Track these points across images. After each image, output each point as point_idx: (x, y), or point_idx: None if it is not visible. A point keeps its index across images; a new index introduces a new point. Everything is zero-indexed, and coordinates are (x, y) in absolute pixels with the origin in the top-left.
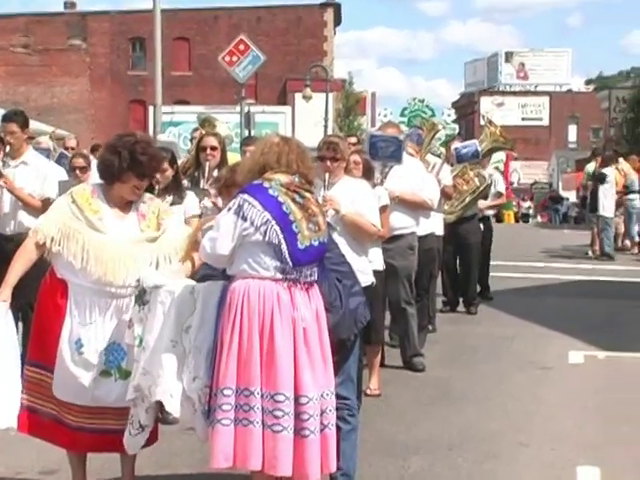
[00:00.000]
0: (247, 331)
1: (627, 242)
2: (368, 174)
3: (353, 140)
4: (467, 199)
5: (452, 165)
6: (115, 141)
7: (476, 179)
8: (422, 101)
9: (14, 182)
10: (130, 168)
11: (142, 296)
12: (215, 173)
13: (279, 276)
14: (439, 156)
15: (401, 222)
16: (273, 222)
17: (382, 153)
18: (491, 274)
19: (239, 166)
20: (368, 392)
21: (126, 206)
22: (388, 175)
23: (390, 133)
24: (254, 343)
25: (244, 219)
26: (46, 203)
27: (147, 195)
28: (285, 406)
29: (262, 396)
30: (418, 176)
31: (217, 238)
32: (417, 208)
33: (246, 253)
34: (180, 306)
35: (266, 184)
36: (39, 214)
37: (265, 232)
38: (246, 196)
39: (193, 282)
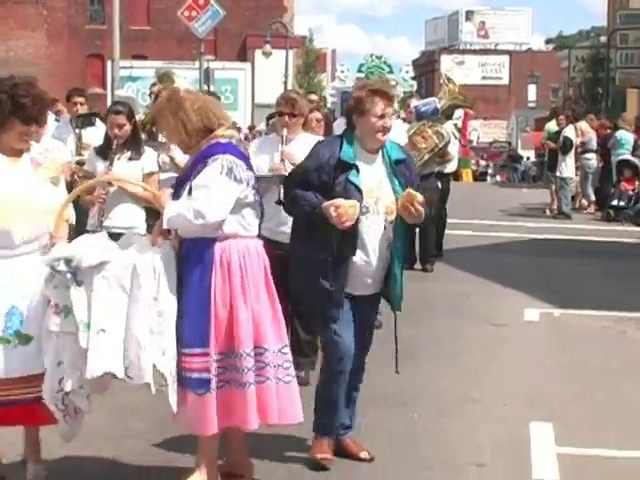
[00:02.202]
0: (254, 290)
1: (584, 201)
2: (330, 130)
3: (314, 97)
4: (425, 157)
5: (410, 123)
6: None
7: (435, 137)
8: (379, 57)
9: None
10: (13, 113)
11: (75, 276)
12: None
13: (256, 233)
14: (394, 113)
15: None
16: (254, 180)
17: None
18: (449, 232)
19: (170, 133)
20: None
21: (18, 154)
22: None
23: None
24: (263, 302)
25: (239, 181)
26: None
27: (45, 146)
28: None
29: (272, 352)
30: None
31: (213, 205)
32: None
33: (237, 214)
34: (135, 279)
35: (233, 141)
36: None
37: (255, 191)
38: (230, 157)
39: (130, 251)
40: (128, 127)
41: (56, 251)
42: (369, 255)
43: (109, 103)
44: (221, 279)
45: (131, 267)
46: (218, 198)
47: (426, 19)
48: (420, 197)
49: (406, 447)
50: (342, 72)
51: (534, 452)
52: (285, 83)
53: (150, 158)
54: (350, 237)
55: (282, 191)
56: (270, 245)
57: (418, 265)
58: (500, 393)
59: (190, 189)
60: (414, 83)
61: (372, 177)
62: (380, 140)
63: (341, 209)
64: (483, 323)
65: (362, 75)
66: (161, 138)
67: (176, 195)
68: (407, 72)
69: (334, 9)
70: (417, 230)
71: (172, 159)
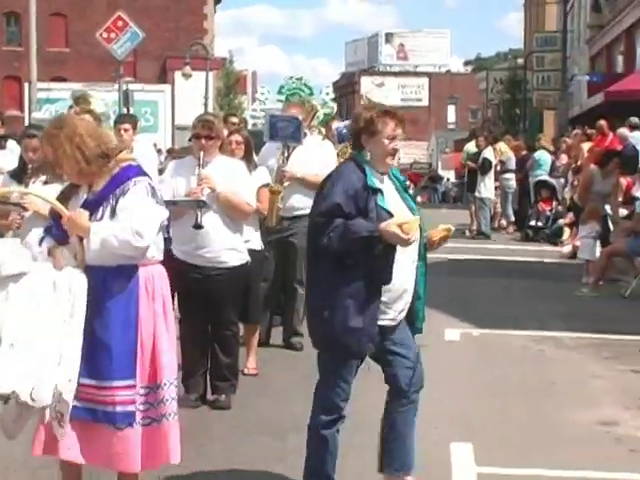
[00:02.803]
0: (171, 318)
1: (503, 221)
2: (250, 153)
3: (235, 120)
4: None
5: (334, 144)
6: None
7: None
8: (300, 79)
9: None
10: None
11: None
12: None
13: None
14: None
15: (303, 203)
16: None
17: (282, 133)
18: None
19: (66, 161)
20: (246, 372)
21: None
22: (291, 156)
23: (293, 113)
24: (173, 329)
25: (161, 204)
26: None
27: None
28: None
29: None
30: (319, 158)
31: (147, 227)
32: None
33: (156, 238)
34: (52, 296)
35: (134, 164)
36: None
37: (167, 213)
38: (147, 179)
39: (47, 265)
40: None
41: None
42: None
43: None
44: (146, 307)
45: (50, 283)
46: (150, 220)
47: (346, 41)
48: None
49: None
50: (262, 94)
51: (455, 473)
52: (205, 105)
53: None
54: (389, 263)
55: (200, 215)
56: (188, 268)
57: None
58: (421, 413)
59: (112, 212)
60: (334, 105)
61: (390, 200)
62: (390, 163)
63: (406, 225)
64: None
65: (282, 97)
66: None
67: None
68: (327, 94)
69: (255, 30)
70: None
71: None
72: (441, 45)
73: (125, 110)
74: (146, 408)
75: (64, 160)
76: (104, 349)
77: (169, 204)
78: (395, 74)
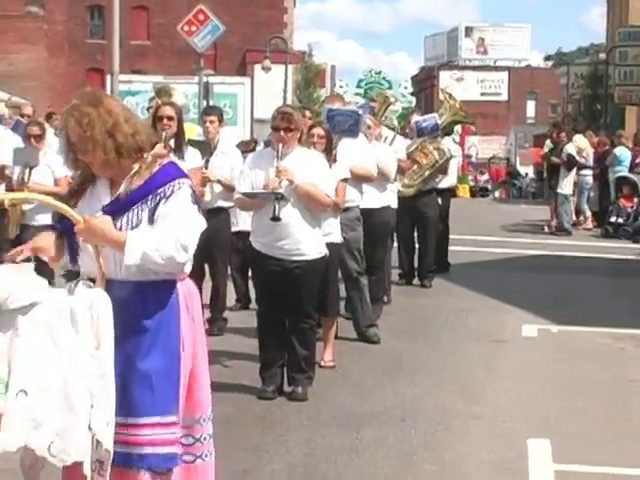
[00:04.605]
0: (204, 340)
1: (581, 217)
2: (330, 146)
3: (308, 114)
4: (426, 173)
5: (412, 139)
6: None
7: (435, 152)
8: (379, 73)
9: None
10: None
11: None
12: (172, 143)
13: None
14: (393, 129)
15: (349, 195)
16: None
17: (339, 127)
18: (450, 248)
19: (93, 147)
20: (322, 364)
21: None
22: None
23: (338, 106)
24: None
25: (200, 212)
26: (1, 170)
27: (47, 161)
28: None
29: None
30: (361, 150)
31: (192, 241)
32: (364, 181)
33: None
34: (72, 327)
35: (174, 161)
36: None
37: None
38: (189, 181)
39: (63, 291)
40: None
41: None
42: None
43: None
44: (188, 327)
45: (68, 311)
46: (195, 232)
47: (425, 35)
48: None
49: (404, 464)
50: (341, 87)
51: (532, 469)
52: (284, 98)
53: None
54: None
55: (277, 207)
56: (267, 259)
57: (417, 281)
58: (499, 409)
59: (151, 219)
60: (413, 99)
61: None
62: None
63: None
64: (482, 339)
65: (361, 90)
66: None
67: (113, 220)
68: (406, 88)
69: (334, 25)
70: (417, 246)
71: None
72: (521, 39)
73: (205, 103)
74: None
75: (89, 145)
76: (141, 379)
77: (248, 196)
78: (474, 68)
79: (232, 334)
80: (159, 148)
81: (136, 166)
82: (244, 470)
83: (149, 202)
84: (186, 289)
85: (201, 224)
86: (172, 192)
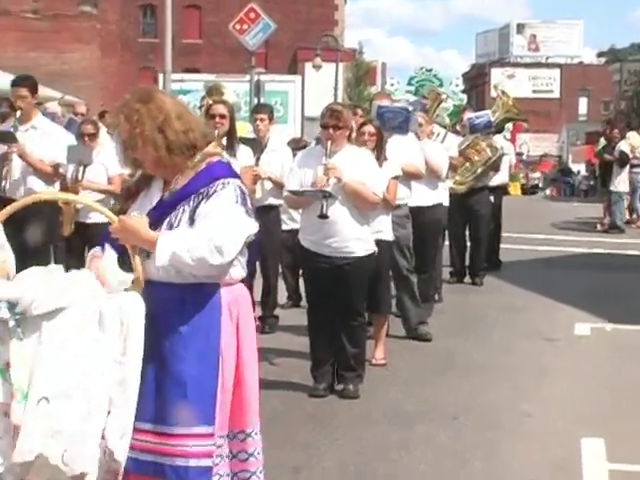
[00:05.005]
0: (255, 349)
1: (634, 215)
2: (381, 144)
3: (359, 112)
4: (479, 170)
5: (463, 136)
6: None
7: (488, 150)
8: (430, 70)
9: (25, 147)
10: None
11: (18, 325)
12: (224, 141)
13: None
14: (445, 127)
15: (399, 192)
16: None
17: (389, 124)
18: (501, 245)
19: (143, 144)
20: (374, 362)
21: None
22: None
23: (387, 103)
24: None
25: (250, 214)
26: (56, 168)
27: (102, 160)
28: None
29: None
30: (410, 147)
31: (230, 243)
32: (413, 179)
33: (240, 254)
34: (99, 331)
35: (224, 160)
36: (49, 179)
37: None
38: (240, 183)
39: (92, 294)
40: None
41: None
42: None
43: None
44: (230, 335)
45: (96, 315)
46: (235, 233)
47: (477, 32)
48: None
49: (455, 461)
50: (392, 85)
51: (586, 468)
52: (335, 96)
53: None
54: None
55: (325, 205)
56: (316, 257)
57: (468, 279)
58: (552, 408)
59: (191, 218)
60: (464, 96)
61: None
62: None
63: None
64: (534, 337)
65: (412, 88)
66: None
67: (155, 224)
68: (457, 85)
69: (384, 22)
70: (468, 244)
71: None
72: (573, 36)
73: (256, 101)
74: (230, 461)
75: (139, 142)
76: (177, 387)
77: (296, 194)
78: (526, 65)
79: (283, 332)
80: (212, 146)
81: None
82: (295, 467)
83: (191, 202)
84: (232, 296)
85: (248, 227)
86: (214, 192)
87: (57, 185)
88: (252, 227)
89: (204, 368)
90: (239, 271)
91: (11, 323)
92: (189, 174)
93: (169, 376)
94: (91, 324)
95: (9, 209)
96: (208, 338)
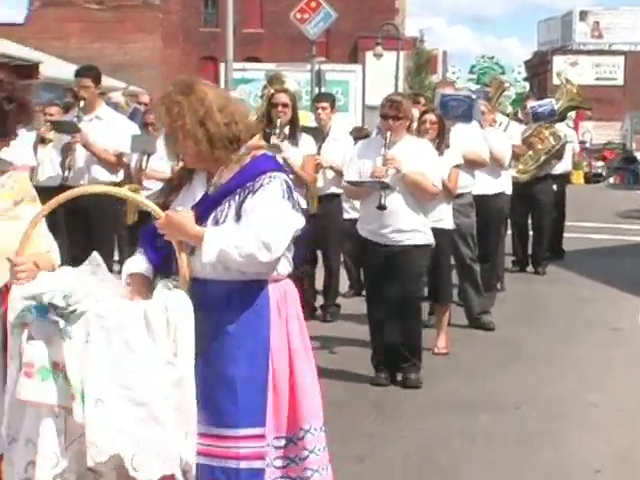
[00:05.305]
0: (309, 346)
1: None
2: (443, 133)
3: (422, 100)
4: (542, 158)
5: (526, 124)
6: None
7: (551, 138)
8: (491, 58)
9: (88, 137)
10: None
11: (67, 323)
12: (286, 130)
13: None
14: (507, 115)
15: (463, 181)
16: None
17: (453, 113)
18: (564, 235)
19: (183, 137)
20: (436, 351)
21: None
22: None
23: (450, 91)
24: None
25: (297, 209)
26: (119, 157)
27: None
28: None
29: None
30: (474, 135)
31: (278, 238)
32: (478, 167)
33: (287, 250)
34: (146, 332)
35: (269, 153)
36: (113, 168)
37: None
38: (284, 175)
39: (124, 291)
40: None
41: (41, 284)
42: None
43: None
44: (279, 333)
45: (141, 315)
46: (283, 229)
47: (539, 20)
48: None
49: (521, 451)
50: (453, 73)
51: None
52: (395, 85)
53: None
54: None
55: (383, 196)
56: (374, 248)
57: (530, 268)
58: (616, 398)
59: (237, 214)
60: (526, 84)
61: None
62: None
63: None
64: (598, 327)
65: (474, 76)
66: (273, 141)
67: (200, 219)
68: (519, 73)
69: (445, 11)
70: (531, 232)
71: (285, 160)
72: (638, 22)
73: (317, 90)
74: (285, 464)
75: (180, 134)
76: (226, 388)
77: (354, 184)
78: (589, 52)
79: (345, 320)
80: (256, 139)
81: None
82: (359, 457)
83: (237, 197)
84: (280, 292)
85: (295, 222)
86: (261, 185)
87: (121, 174)
88: (299, 222)
89: (254, 368)
90: (286, 266)
91: (62, 324)
92: (234, 168)
93: (218, 377)
94: (138, 323)
95: (54, 202)
96: (257, 337)
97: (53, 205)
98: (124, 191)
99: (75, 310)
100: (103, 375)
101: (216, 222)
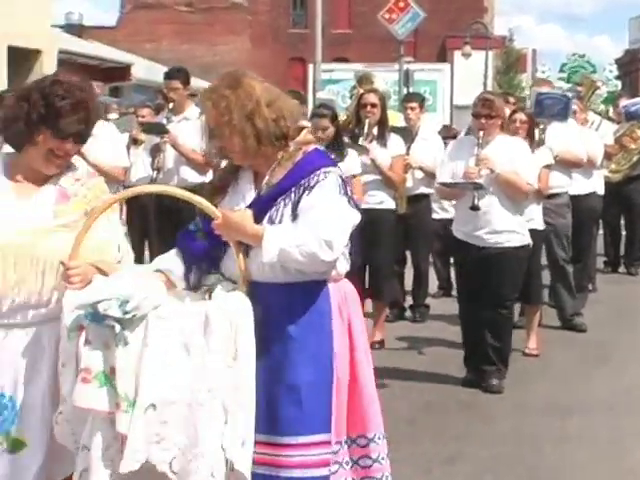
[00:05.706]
0: (368, 348)
1: None
2: (533, 132)
3: (512, 100)
4: (634, 158)
5: (618, 123)
6: (29, 84)
7: None
8: (582, 56)
9: (177, 138)
10: (43, 120)
11: (125, 327)
12: (375, 130)
13: None
14: (599, 114)
15: (558, 181)
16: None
17: (548, 111)
18: None
19: (230, 134)
20: (527, 352)
21: (41, 182)
22: (546, 134)
23: (547, 90)
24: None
25: (352, 205)
26: (208, 158)
27: (82, 171)
28: None
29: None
30: (570, 134)
31: (338, 236)
32: (574, 167)
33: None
34: (206, 336)
35: (320, 148)
36: (202, 169)
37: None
38: (338, 170)
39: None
40: (331, 130)
41: (97, 290)
42: None
43: (310, 105)
44: (341, 335)
45: (202, 318)
46: (342, 226)
47: (630, 17)
48: None
49: (613, 453)
50: (543, 72)
51: None
52: (484, 84)
53: (353, 161)
54: None
55: (476, 196)
56: (468, 248)
57: (622, 268)
58: None
59: (294, 212)
60: (618, 83)
61: None
62: None
63: None
64: None
65: (565, 75)
66: (362, 141)
67: (255, 220)
68: (611, 71)
69: (534, 9)
70: (623, 233)
71: (373, 161)
72: None
73: (405, 90)
74: (350, 468)
75: (226, 130)
76: (288, 393)
77: (447, 186)
78: None
79: (434, 321)
80: (305, 134)
81: (280, 155)
82: (450, 457)
83: (292, 195)
84: (341, 293)
85: (352, 218)
86: (316, 182)
87: (210, 175)
88: (355, 218)
89: (318, 373)
90: (344, 265)
91: (117, 329)
92: (286, 165)
93: (281, 382)
94: (198, 326)
95: (100, 207)
96: (320, 340)
97: (101, 210)
98: (180, 191)
99: (134, 316)
100: (158, 379)
101: (271, 222)
